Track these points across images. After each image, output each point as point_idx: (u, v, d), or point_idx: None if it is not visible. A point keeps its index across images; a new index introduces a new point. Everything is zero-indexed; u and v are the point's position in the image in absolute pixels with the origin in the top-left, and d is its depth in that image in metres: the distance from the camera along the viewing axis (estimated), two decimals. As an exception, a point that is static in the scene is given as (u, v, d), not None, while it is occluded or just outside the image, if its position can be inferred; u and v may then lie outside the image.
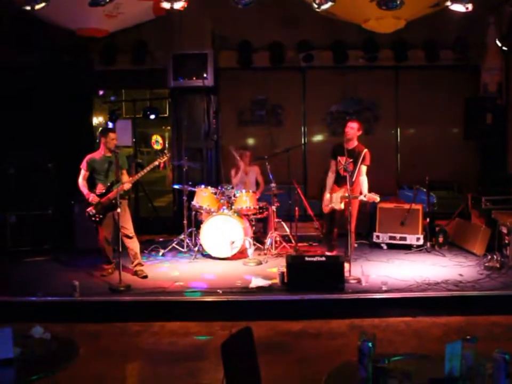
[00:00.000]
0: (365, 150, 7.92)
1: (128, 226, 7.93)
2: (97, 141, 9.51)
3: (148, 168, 7.87)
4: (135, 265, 8.05)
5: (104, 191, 7.89)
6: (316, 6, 7.35)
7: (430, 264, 8.50)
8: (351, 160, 7.87)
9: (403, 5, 7.39)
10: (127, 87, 13.81)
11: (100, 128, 10.70)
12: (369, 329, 6.23)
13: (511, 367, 2.92)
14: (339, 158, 8.04)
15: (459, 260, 8.68)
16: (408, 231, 9.35)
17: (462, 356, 3.02)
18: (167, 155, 8.30)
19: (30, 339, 3.88)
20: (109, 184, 7.88)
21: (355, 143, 8.08)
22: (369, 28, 8.82)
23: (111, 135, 7.97)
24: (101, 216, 7.90)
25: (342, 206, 7.94)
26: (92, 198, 7.85)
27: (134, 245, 8.03)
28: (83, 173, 7.98)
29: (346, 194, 7.71)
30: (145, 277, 7.96)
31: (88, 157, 8.05)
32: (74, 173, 8.33)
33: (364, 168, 7.93)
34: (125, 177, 7.94)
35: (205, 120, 11.38)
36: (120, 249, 7.58)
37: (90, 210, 7.88)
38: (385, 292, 7.05)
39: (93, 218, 7.91)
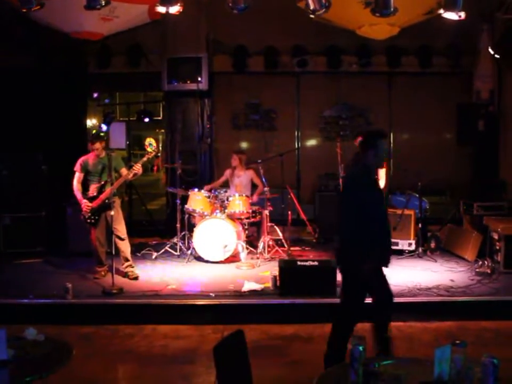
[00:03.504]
0: None
1: (120, 227, 7.98)
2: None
3: (140, 163, 7.94)
4: (126, 267, 8.10)
5: (95, 194, 8.00)
6: (310, 12, 7.39)
7: (422, 269, 8.55)
8: None
9: (397, 12, 7.44)
10: (121, 90, 13.86)
11: (94, 131, 10.74)
12: (361, 333, 6.24)
13: (499, 372, 2.96)
14: None
15: (450, 265, 8.74)
16: (400, 236, 9.38)
17: (451, 360, 3.06)
18: (155, 150, 8.32)
19: (24, 341, 3.88)
20: (101, 184, 7.97)
21: None
22: (363, 34, 8.89)
23: (96, 145, 8.02)
24: (96, 218, 7.99)
25: None
26: (84, 205, 7.95)
27: (125, 246, 8.09)
28: (77, 176, 8.05)
29: None
30: (136, 278, 8.03)
31: (82, 159, 8.13)
32: (68, 176, 8.36)
33: (379, 171, 7.96)
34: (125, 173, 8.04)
35: (199, 123, 11.40)
36: (114, 252, 7.63)
37: (85, 213, 7.96)
38: (377, 296, 7.08)
39: (88, 221, 8.00)
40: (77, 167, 8.06)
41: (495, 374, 2.93)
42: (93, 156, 8.09)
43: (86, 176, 8.10)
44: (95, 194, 8.01)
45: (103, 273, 8.17)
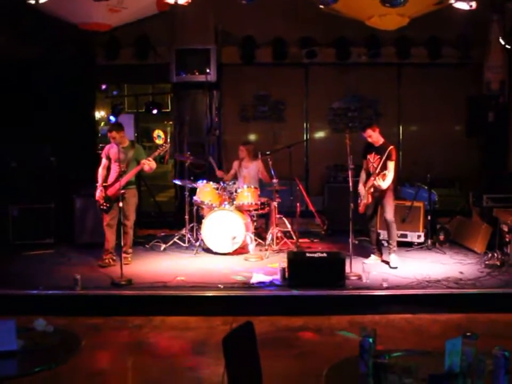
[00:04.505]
0: (391, 147, 7.94)
1: (128, 219, 8.15)
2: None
3: (151, 157, 8.15)
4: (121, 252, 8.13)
5: (111, 182, 8.19)
6: (319, 2, 7.35)
7: (431, 261, 8.52)
8: (378, 156, 7.98)
9: (407, 3, 7.39)
10: (129, 82, 13.84)
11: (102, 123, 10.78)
12: (370, 325, 6.23)
13: (510, 364, 2.94)
14: (368, 156, 8.13)
15: (460, 258, 8.70)
16: (409, 228, 9.36)
17: (462, 352, 3.03)
18: (167, 145, 8.38)
19: (33, 331, 3.89)
20: (119, 173, 8.05)
21: (381, 140, 8.13)
22: (372, 24, 8.83)
23: (112, 134, 8.21)
24: (108, 205, 8.19)
25: (370, 199, 8.05)
26: (99, 191, 8.21)
27: (127, 238, 8.22)
28: (103, 162, 8.40)
29: (369, 186, 7.99)
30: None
31: (107, 146, 8.45)
32: (76, 167, 8.40)
33: (389, 164, 7.94)
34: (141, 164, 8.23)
35: (207, 115, 11.38)
36: (122, 244, 7.68)
37: (99, 198, 8.20)
38: (386, 288, 7.07)
39: (101, 207, 8.23)
40: (103, 153, 8.45)
41: (506, 366, 2.91)
42: (115, 145, 8.20)
43: (109, 164, 8.35)
44: (111, 182, 8.20)
45: (107, 260, 8.28)
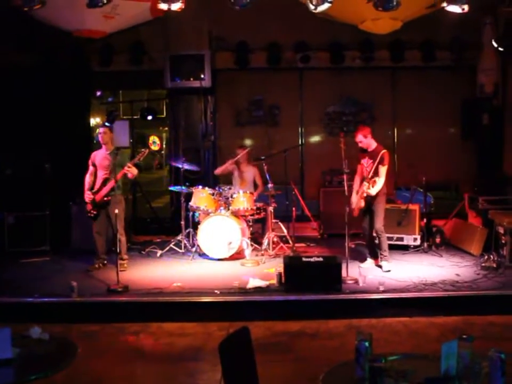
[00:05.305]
0: (383, 151, 7.90)
1: (118, 225, 8.06)
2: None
3: (131, 163, 8.15)
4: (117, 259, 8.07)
5: (97, 188, 8.21)
6: (312, 7, 7.37)
7: (427, 264, 8.52)
8: (371, 161, 7.95)
9: (399, 6, 7.41)
10: (124, 88, 13.84)
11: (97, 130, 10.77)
12: (366, 329, 6.22)
13: (506, 366, 2.93)
14: (362, 160, 8.11)
15: (456, 260, 8.71)
16: (405, 231, 9.36)
17: (458, 355, 3.03)
18: (146, 150, 8.41)
19: (28, 339, 3.88)
20: (104, 179, 8.11)
21: (373, 145, 8.09)
22: (365, 28, 8.87)
23: (106, 129, 8.39)
24: (95, 213, 8.23)
25: (363, 203, 8.01)
26: (87, 196, 8.25)
27: (118, 244, 8.07)
28: (90, 169, 8.40)
29: (362, 191, 7.93)
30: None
31: (93, 153, 8.50)
32: (71, 174, 8.37)
33: (380, 169, 7.91)
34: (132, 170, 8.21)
35: (202, 120, 11.40)
36: (118, 250, 7.65)
37: (87, 206, 8.26)
38: (383, 292, 7.07)
39: (89, 214, 8.28)
40: (90, 160, 8.44)
41: (502, 368, 2.90)
42: (102, 151, 8.28)
43: (96, 170, 8.36)
44: (97, 189, 8.22)
45: (96, 265, 8.37)
